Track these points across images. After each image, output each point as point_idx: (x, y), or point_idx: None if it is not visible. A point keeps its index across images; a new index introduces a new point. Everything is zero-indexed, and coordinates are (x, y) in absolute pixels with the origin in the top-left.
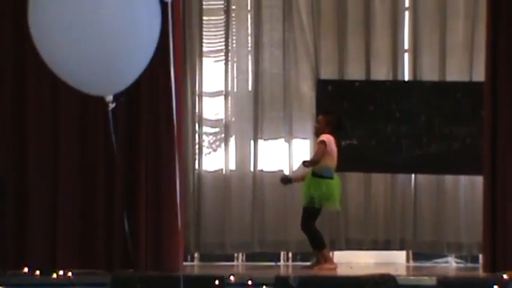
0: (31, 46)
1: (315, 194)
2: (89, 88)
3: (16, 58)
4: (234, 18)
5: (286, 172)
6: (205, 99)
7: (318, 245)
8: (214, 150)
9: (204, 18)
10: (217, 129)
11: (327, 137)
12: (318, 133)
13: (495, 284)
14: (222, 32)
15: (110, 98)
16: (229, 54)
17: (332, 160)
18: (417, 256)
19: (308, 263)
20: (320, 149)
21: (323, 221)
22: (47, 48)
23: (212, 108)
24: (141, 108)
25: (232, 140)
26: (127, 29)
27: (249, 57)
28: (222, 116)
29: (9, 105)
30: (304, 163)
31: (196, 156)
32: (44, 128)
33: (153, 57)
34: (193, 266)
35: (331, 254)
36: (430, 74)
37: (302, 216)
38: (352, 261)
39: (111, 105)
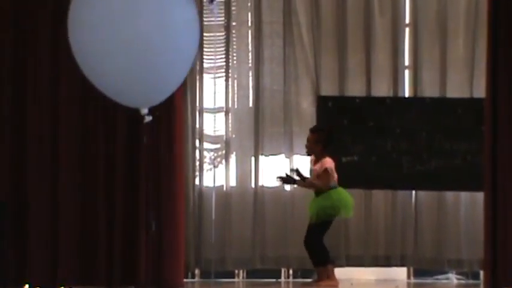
0: (31, 52)
1: (327, 204)
2: (126, 100)
3: (14, 68)
4: (234, 35)
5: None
6: (205, 115)
7: (322, 261)
8: (215, 167)
9: (205, 34)
10: (218, 146)
11: (329, 163)
12: (309, 152)
13: None
14: (223, 48)
15: (145, 111)
16: (230, 71)
17: (334, 178)
18: (418, 272)
19: (309, 280)
20: (326, 178)
21: (324, 238)
22: (85, 58)
23: (213, 125)
24: (141, 126)
25: (233, 156)
26: (166, 41)
27: (250, 74)
28: (222, 132)
29: (8, 115)
30: (303, 181)
31: (197, 173)
32: (43, 140)
33: None
34: (194, 282)
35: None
36: (430, 91)
37: (310, 232)
38: (352, 277)
39: (147, 118)
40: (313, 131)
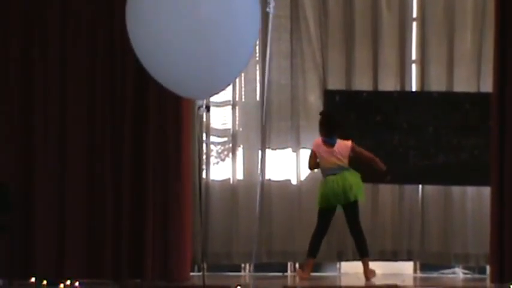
0: (39, 54)
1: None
2: (185, 90)
3: (23, 67)
4: None
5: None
6: (213, 108)
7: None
8: (222, 160)
9: None
10: (225, 139)
11: (314, 143)
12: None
13: None
14: None
15: (201, 102)
16: None
17: (323, 161)
18: (424, 267)
19: (315, 274)
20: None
21: (331, 232)
22: (144, 49)
23: (220, 118)
24: (148, 118)
25: (239, 150)
26: (227, 28)
27: (257, 67)
28: (229, 125)
29: (16, 115)
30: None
31: (204, 166)
32: (51, 138)
33: None
34: (200, 276)
35: (337, 264)
36: (437, 85)
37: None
38: (359, 271)
39: (202, 110)
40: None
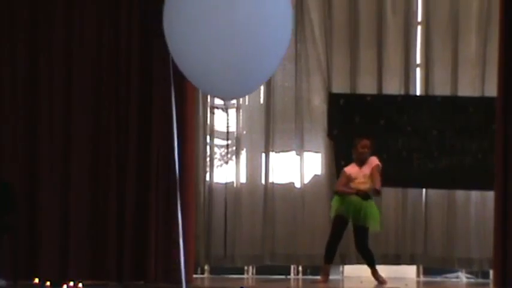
0: (44, 58)
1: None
2: (218, 91)
3: (30, 69)
4: None
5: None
6: (217, 111)
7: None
8: (226, 163)
9: None
10: (228, 142)
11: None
12: (366, 158)
13: None
14: None
15: (229, 103)
16: None
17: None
18: (427, 271)
19: (318, 277)
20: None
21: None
22: (181, 51)
23: (224, 121)
24: (152, 120)
25: (243, 153)
26: (261, 32)
27: None
28: (233, 128)
29: (21, 117)
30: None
31: (208, 169)
32: (56, 140)
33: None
34: (203, 278)
35: (341, 268)
36: (441, 89)
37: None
38: (362, 275)
39: (222, 109)
40: (366, 138)
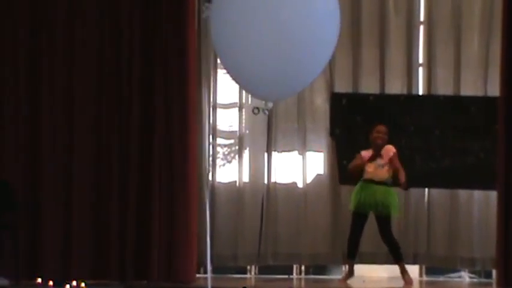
0: (47, 58)
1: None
2: (262, 93)
3: (31, 70)
4: None
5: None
6: (219, 110)
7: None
8: (228, 162)
9: None
10: (231, 141)
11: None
12: (384, 144)
13: None
14: None
15: (270, 105)
16: None
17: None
18: (430, 270)
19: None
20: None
21: (336, 234)
22: (228, 53)
23: (226, 120)
24: (155, 120)
25: (246, 152)
26: (309, 32)
27: None
28: (236, 128)
29: (23, 117)
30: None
31: (210, 168)
32: (58, 139)
33: (169, 68)
34: (206, 278)
35: (343, 267)
36: (444, 88)
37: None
38: (365, 275)
39: (256, 111)
40: (381, 124)
